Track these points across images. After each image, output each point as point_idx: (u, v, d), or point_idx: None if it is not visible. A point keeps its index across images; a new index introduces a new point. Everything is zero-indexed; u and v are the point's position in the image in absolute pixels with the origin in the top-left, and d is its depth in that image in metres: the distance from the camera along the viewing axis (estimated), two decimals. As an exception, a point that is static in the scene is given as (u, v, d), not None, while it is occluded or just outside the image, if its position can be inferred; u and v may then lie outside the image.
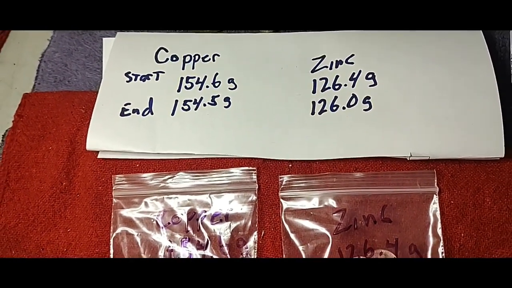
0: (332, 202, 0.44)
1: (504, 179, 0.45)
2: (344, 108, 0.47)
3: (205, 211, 0.45)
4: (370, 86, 0.48)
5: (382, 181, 0.45)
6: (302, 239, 0.43)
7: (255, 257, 0.44)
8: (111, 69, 0.51)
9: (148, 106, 0.49)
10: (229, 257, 0.44)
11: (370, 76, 0.48)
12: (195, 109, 0.48)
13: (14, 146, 0.49)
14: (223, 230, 0.44)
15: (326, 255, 0.43)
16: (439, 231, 0.43)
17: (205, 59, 0.51)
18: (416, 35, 0.50)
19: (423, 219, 0.44)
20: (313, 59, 0.50)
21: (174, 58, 0.51)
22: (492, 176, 0.45)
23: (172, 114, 0.48)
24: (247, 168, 0.46)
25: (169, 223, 0.45)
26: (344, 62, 0.50)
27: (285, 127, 0.47)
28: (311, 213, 0.44)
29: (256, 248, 0.44)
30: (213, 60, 0.51)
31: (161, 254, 0.44)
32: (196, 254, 0.44)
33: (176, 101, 0.49)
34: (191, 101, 0.49)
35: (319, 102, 0.48)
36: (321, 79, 0.49)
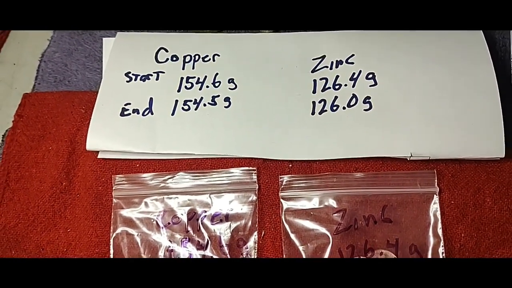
0: (332, 202, 0.44)
1: (504, 179, 0.45)
2: (344, 108, 0.47)
3: (205, 211, 0.45)
4: (370, 86, 0.48)
5: (382, 181, 0.45)
6: (302, 239, 0.43)
7: (255, 257, 0.44)
8: (111, 69, 0.51)
9: (148, 106, 0.49)
10: (229, 257, 0.43)
11: (370, 76, 0.48)
12: (195, 109, 0.48)
13: (14, 146, 0.49)
14: (223, 230, 0.44)
15: (326, 255, 0.43)
16: (440, 231, 0.43)
17: (205, 59, 0.51)
18: (416, 35, 0.50)
19: (424, 219, 0.44)
20: (313, 59, 0.50)
21: (174, 58, 0.51)
22: (492, 176, 0.45)
23: (172, 114, 0.48)
24: (247, 168, 0.46)
25: (169, 223, 0.45)
26: (344, 62, 0.50)
27: (285, 127, 0.47)
28: (311, 213, 0.44)
29: (256, 248, 0.44)
30: (213, 60, 0.51)
31: (161, 254, 0.44)
32: (196, 254, 0.44)
33: (176, 101, 0.49)
34: (191, 101, 0.49)
35: (319, 102, 0.48)
36: (321, 79, 0.49)
